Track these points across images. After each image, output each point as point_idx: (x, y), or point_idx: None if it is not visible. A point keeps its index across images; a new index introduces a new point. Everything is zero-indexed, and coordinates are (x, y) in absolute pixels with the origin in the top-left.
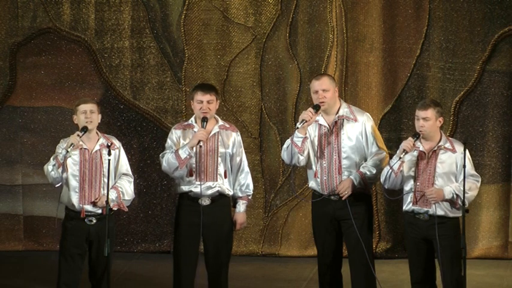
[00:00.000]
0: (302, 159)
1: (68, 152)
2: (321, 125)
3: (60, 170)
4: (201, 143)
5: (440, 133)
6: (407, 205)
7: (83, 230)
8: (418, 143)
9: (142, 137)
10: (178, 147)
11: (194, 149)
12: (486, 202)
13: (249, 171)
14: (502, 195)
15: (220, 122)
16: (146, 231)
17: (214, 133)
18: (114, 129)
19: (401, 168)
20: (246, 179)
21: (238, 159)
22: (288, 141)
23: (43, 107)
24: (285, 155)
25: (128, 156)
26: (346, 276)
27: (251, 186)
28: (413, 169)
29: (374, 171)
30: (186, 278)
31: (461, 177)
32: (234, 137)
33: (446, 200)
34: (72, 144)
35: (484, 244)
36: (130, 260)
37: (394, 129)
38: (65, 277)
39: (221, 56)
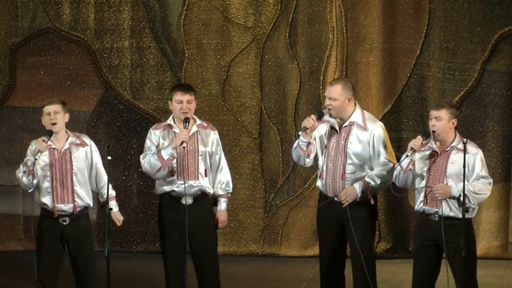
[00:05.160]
0: (308, 162)
1: (36, 159)
2: (332, 127)
3: (30, 178)
4: (184, 144)
5: (455, 134)
6: (419, 205)
7: (57, 230)
8: (431, 142)
9: (142, 137)
10: (158, 148)
11: (178, 149)
12: (486, 202)
13: (227, 168)
14: (502, 195)
15: (198, 121)
16: (146, 231)
17: (194, 132)
18: (114, 129)
19: (410, 167)
20: (226, 177)
21: (217, 157)
22: (296, 143)
23: None
24: (293, 154)
25: (127, 157)
26: (348, 278)
27: (231, 184)
28: (424, 168)
29: (378, 182)
30: (175, 277)
31: (473, 178)
32: (213, 136)
33: (453, 198)
34: (39, 151)
35: (484, 244)
36: (130, 260)
37: (394, 129)
38: (42, 275)
39: (221, 56)
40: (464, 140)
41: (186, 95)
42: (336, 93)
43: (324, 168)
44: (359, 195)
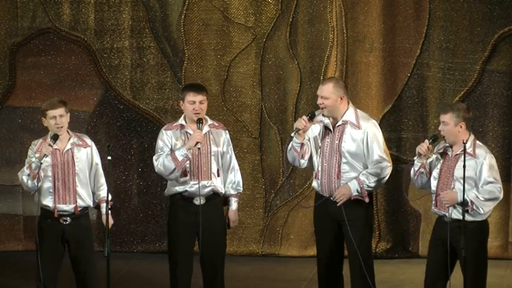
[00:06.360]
0: (303, 163)
1: (42, 163)
2: (325, 127)
3: (35, 181)
4: (199, 145)
5: (468, 136)
6: (431, 207)
7: (58, 230)
8: (447, 145)
9: (142, 137)
10: (170, 148)
11: (192, 150)
12: None
13: (238, 168)
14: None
15: (210, 121)
16: (146, 231)
17: (206, 132)
18: (114, 129)
19: (421, 170)
20: (237, 177)
21: (228, 157)
22: (290, 144)
23: None
24: (289, 156)
25: (127, 157)
26: (346, 278)
27: (241, 183)
28: (437, 170)
29: (372, 180)
30: (183, 279)
31: (480, 183)
32: (224, 136)
33: (461, 204)
34: (45, 155)
35: None
36: (130, 260)
37: (394, 129)
38: (42, 274)
39: (221, 56)
40: (468, 143)
41: (199, 95)
42: (327, 91)
43: (319, 169)
44: (353, 193)
